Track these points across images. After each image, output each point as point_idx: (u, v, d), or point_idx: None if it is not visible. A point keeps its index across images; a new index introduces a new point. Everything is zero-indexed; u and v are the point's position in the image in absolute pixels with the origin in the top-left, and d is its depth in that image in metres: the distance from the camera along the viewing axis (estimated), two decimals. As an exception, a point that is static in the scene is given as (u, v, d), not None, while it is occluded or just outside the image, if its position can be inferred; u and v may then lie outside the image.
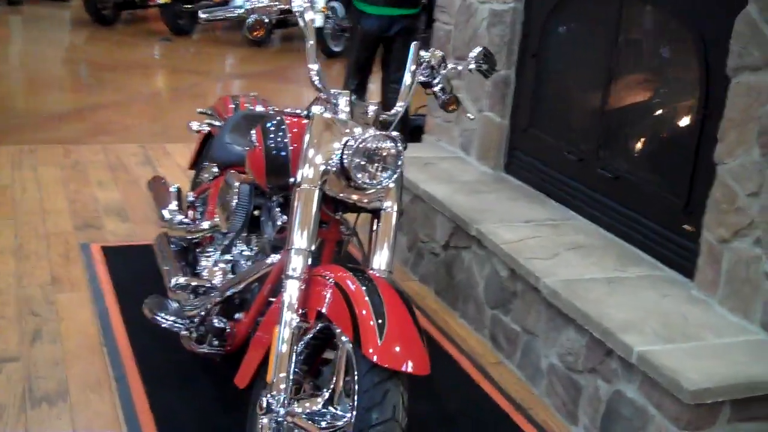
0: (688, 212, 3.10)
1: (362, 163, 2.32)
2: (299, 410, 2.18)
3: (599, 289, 2.99)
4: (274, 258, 2.65)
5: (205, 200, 3.48)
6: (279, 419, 2.18)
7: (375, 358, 1.99)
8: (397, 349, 2.01)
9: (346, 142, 2.34)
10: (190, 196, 3.62)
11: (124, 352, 3.13)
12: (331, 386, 2.20)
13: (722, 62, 2.87)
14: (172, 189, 3.52)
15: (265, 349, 2.38)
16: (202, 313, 2.75)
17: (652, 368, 2.51)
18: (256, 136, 2.62)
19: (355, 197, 2.41)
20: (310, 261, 2.29)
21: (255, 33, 2.51)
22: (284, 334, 2.20)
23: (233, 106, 3.53)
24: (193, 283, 2.78)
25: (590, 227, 3.57)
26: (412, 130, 5.34)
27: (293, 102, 5.35)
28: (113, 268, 3.80)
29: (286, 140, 2.54)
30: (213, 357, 2.81)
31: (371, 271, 2.36)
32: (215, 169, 3.26)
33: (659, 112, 3.37)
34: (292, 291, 2.23)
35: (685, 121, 3.21)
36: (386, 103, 5.20)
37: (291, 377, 2.20)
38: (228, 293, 2.72)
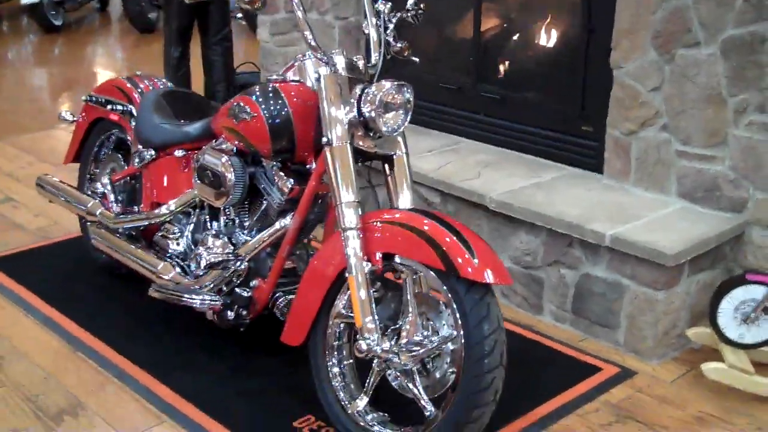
0: (585, 116, 3.59)
1: (382, 111, 2.49)
2: (397, 345, 2.36)
3: (536, 193, 3.40)
4: (283, 222, 2.74)
5: (129, 186, 3.40)
6: (388, 357, 2.35)
7: (480, 277, 2.23)
8: (487, 266, 2.26)
9: (363, 94, 2.49)
10: (102, 185, 3.49)
11: (104, 350, 3.04)
12: (408, 318, 2.39)
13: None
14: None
15: (315, 302, 2.51)
16: (223, 286, 2.79)
17: (628, 245, 2.97)
18: (249, 107, 2.66)
19: (372, 146, 2.56)
20: (360, 211, 2.44)
21: (255, 4, 2.55)
22: (360, 280, 2.35)
23: (139, 87, 3.42)
24: (222, 259, 2.77)
25: (484, 147, 3.97)
26: (237, 87, 5.38)
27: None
28: (21, 279, 3.58)
29: (286, 106, 2.63)
30: (237, 327, 2.85)
31: (402, 208, 2.55)
32: (150, 152, 3.19)
33: (540, 33, 3.80)
34: (354, 241, 2.37)
35: (570, 38, 3.67)
36: (209, 67, 5.22)
37: (376, 318, 2.37)
38: (246, 263, 2.78)
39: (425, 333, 2.40)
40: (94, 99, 3.54)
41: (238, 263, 2.77)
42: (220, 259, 2.77)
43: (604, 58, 3.42)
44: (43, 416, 2.69)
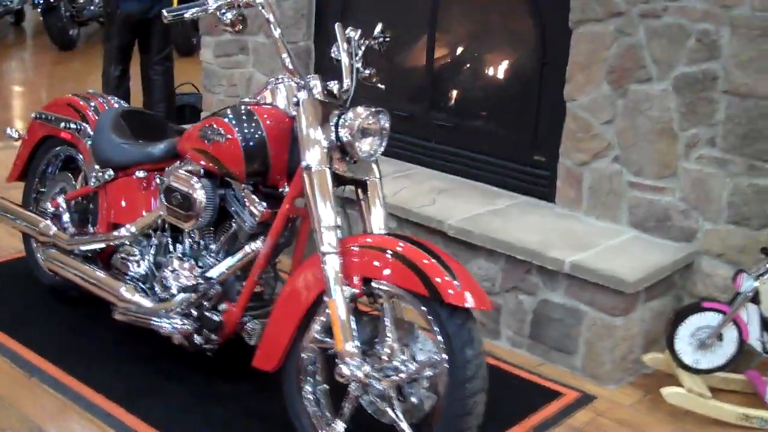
0: (537, 146, 3.69)
1: (360, 137, 2.51)
2: (378, 370, 2.36)
3: (493, 220, 3.47)
4: (254, 245, 2.72)
5: (81, 206, 3.32)
6: (369, 382, 2.35)
7: (463, 302, 2.26)
8: (467, 291, 2.29)
9: (340, 119, 2.50)
10: (53, 205, 3.39)
11: (61, 376, 2.94)
12: (387, 343, 2.40)
13: (556, 18, 3.46)
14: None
15: (291, 327, 2.50)
16: (193, 310, 2.74)
17: (588, 272, 3.06)
18: (223, 129, 2.64)
19: (347, 170, 2.57)
20: (341, 235, 2.45)
21: (236, 27, 2.54)
22: (341, 304, 2.36)
23: (92, 105, 3.35)
24: (195, 282, 2.73)
25: (436, 174, 4.03)
26: (177, 108, 5.32)
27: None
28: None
29: (260, 129, 2.62)
30: (205, 351, 2.80)
31: (377, 233, 2.57)
32: (109, 172, 3.12)
33: (494, 63, 3.89)
34: (333, 264, 2.37)
35: (524, 70, 3.77)
36: (149, 86, 5.15)
37: (358, 342, 2.37)
38: (217, 287, 2.74)
39: (403, 358, 2.41)
40: (43, 116, 3.45)
41: (211, 287, 2.73)
42: (193, 282, 2.72)
43: (557, 90, 3.53)
44: (2, 447, 2.59)
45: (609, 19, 3.31)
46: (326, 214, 2.42)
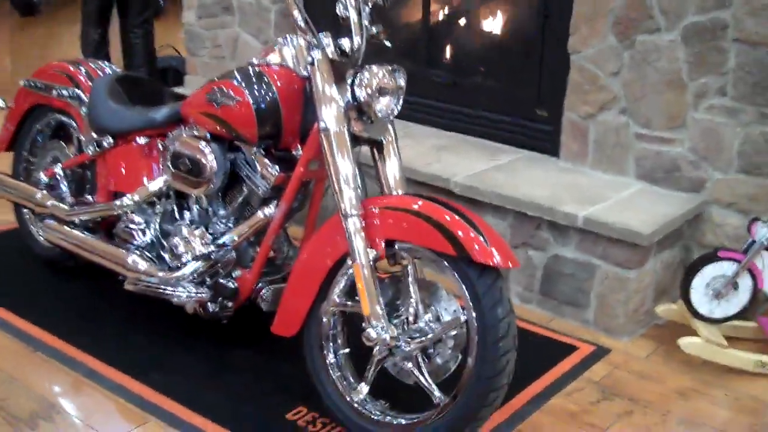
0: (539, 100, 3.64)
1: (377, 96, 2.44)
2: (406, 333, 2.33)
3: (497, 176, 3.42)
4: (267, 210, 2.66)
5: (76, 175, 3.22)
6: (396, 345, 2.31)
7: (493, 261, 2.22)
8: (496, 249, 2.25)
9: (355, 79, 2.43)
10: (50, 174, 3.28)
11: (68, 349, 2.87)
12: (411, 304, 2.37)
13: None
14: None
15: (311, 292, 2.45)
16: (207, 277, 2.68)
17: (601, 226, 3.03)
18: (233, 91, 2.55)
19: (362, 130, 2.50)
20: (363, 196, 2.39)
21: None
22: (365, 267, 2.31)
23: (83, 70, 3.23)
24: (210, 249, 2.66)
25: (436, 132, 3.96)
26: (158, 71, 5.19)
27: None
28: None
29: (272, 90, 2.54)
30: (220, 319, 2.75)
31: (395, 194, 2.52)
32: (108, 140, 3.02)
33: (494, 18, 3.82)
34: (357, 227, 2.32)
35: (524, 23, 3.70)
36: (129, 50, 5.01)
37: (383, 305, 2.33)
38: (232, 253, 2.68)
39: (428, 318, 2.37)
40: (33, 84, 3.32)
41: (226, 253, 2.66)
42: (206, 249, 2.65)
43: (559, 44, 3.48)
44: (15, 421, 2.51)
45: (614, -31, 3.25)
46: (347, 175, 2.36)
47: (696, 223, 3.26)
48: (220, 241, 2.69)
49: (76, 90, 3.18)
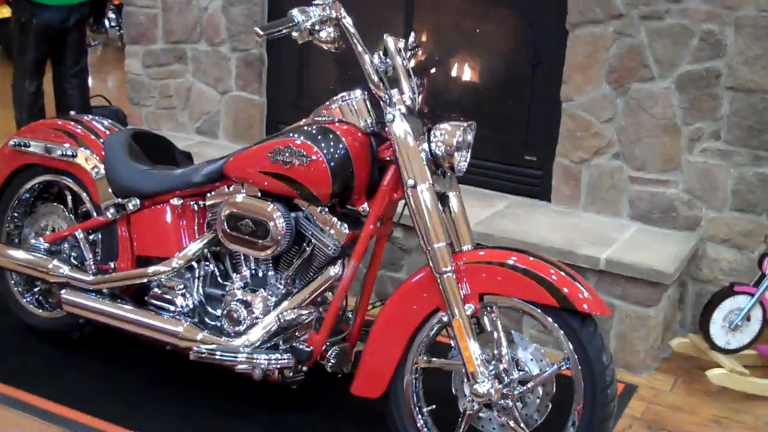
0: (528, 146, 3.77)
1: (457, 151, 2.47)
2: (515, 386, 2.36)
3: (502, 222, 3.51)
4: (335, 269, 2.61)
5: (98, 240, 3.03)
6: (502, 402, 2.34)
7: (598, 311, 2.29)
8: (594, 298, 2.33)
9: (431, 134, 2.46)
10: (51, 240, 3.07)
11: (105, 427, 2.69)
12: (504, 356, 2.40)
13: (546, 20, 3.56)
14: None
15: (398, 350, 2.45)
16: (280, 342, 2.60)
17: (623, 267, 3.17)
18: (304, 150, 2.50)
19: (436, 186, 2.52)
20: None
21: (337, 43, 2.45)
22: (465, 323, 2.33)
23: (87, 128, 3.06)
24: (302, 314, 2.59)
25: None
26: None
27: None
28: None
29: (344, 148, 2.51)
30: (292, 384, 2.66)
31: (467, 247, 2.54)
32: (135, 202, 2.87)
33: (483, 67, 3.91)
34: (451, 284, 2.34)
35: (513, 72, 3.82)
36: (64, 100, 4.79)
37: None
38: (313, 314, 2.61)
39: (523, 369, 2.41)
40: (23, 143, 3.10)
41: (309, 315, 2.59)
42: (301, 314, 2.58)
43: (549, 91, 3.62)
44: None
45: (609, 21, 3.43)
46: (438, 231, 2.37)
47: (692, 259, 3.47)
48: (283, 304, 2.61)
49: (82, 149, 2.99)
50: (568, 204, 3.68)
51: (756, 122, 3.25)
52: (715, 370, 3.09)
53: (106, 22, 8.97)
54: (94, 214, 3.00)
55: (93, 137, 3.02)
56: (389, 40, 2.58)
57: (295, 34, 2.43)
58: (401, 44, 2.62)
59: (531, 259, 2.36)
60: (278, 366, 2.56)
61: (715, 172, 3.37)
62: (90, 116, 3.22)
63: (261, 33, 2.40)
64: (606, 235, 3.42)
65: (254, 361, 2.55)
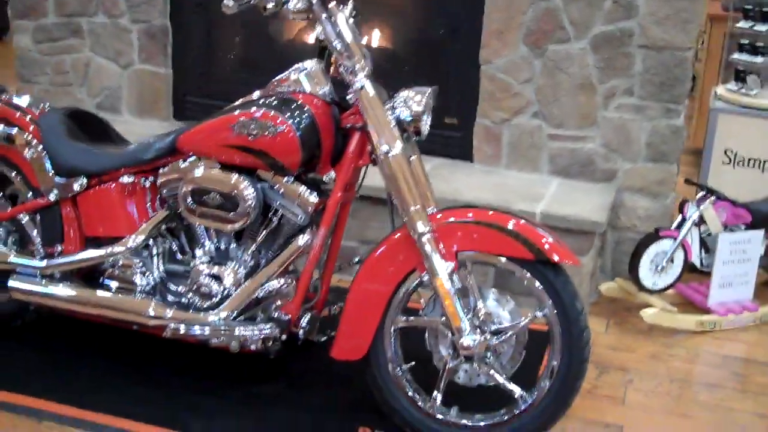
0: (449, 109, 3.87)
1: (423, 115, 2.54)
2: (495, 336, 2.47)
3: (434, 183, 3.58)
4: (304, 238, 2.61)
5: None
6: (483, 354, 2.45)
7: (570, 260, 2.42)
8: (563, 249, 2.47)
9: (397, 100, 2.52)
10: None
11: (76, 414, 2.60)
12: (480, 310, 2.50)
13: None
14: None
15: (377, 312, 2.51)
16: (259, 312, 2.59)
17: (559, 219, 3.33)
18: (271, 121, 2.48)
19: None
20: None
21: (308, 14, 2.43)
22: (447, 281, 2.42)
23: (14, 107, 2.91)
24: (279, 285, 2.57)
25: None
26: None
27: None
28: None
29: (311, 116, 2.52)
30: (271, 353, 2.65)
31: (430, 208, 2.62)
32: (81, 182, 2.76)
33: (399, 36, 3.95)
34: (431, 245, 2.42)
35: (431, 39, 3.89)
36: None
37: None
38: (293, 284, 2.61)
39: (501, 319, 2.52)
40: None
41: (287, 285, 2.58)
42: (281, 283, 2.56)
43: (466, 55, 3.73)
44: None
45: (524, -14, 3.57)
46: (414, 195, 2.43)
47: (611, 208, 3.68)
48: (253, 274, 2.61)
49: (14, 129, 2.85)
50: (491, 163, 3.82)
51: (667, 78, 3.48)
52: (648, 309, 3.32)
53: None
54: (29, 196, 2.86)
55: (25, 117, 2.87)
56: (338, 10, 2.58)
57: (270, 4, 2.39)
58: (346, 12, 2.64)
59: (507, 216, 2.46)
60: (262, 336, 2.55)
61: (630, 126, 3.59)
62: (6, 95, 3.04)
63: (230, 4, 2.36)
64: (532, 191, 3.58)
65: (236, 333, 2.53)
